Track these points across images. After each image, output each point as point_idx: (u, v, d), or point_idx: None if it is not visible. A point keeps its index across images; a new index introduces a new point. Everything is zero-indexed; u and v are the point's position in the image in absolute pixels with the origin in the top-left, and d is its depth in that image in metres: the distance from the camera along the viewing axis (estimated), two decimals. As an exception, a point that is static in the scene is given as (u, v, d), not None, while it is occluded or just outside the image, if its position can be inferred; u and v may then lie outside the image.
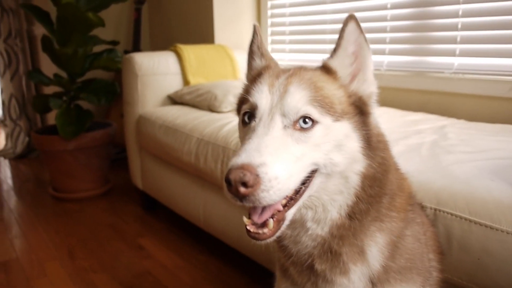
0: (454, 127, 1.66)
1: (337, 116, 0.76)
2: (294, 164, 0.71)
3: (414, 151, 1.33)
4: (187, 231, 2.32)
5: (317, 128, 0.74)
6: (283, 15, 2.96)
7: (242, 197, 0.67)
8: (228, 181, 0.67)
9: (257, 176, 0.66)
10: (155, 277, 1.91)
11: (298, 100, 0.74)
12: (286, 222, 0.74)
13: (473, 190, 1.02)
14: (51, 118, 3.73)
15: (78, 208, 2.77)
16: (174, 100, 2.53)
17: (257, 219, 0.72)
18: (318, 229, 0.80)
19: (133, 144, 2.56)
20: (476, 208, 0.98)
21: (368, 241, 0.80)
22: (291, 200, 0.74)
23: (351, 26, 0.80)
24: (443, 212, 1.02)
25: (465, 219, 0.98)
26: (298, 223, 0.81)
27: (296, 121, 0.74)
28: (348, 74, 0.82)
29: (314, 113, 0.74)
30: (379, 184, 0.79)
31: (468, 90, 1.95)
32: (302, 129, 0.73)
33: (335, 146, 0.75)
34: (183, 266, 1.99)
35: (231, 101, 2.16)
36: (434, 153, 1.31)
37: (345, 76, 0.82)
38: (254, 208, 0.73)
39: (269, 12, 3.09)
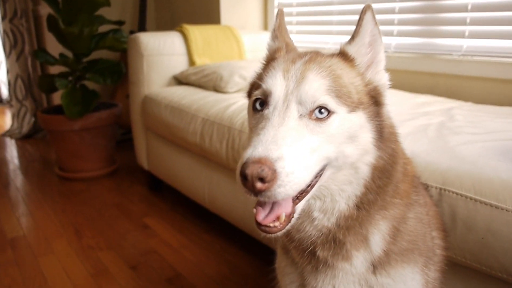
0: (462, 109, 1.64)
1: (353, 106, 0.73)
2: (310, 156, 0.68)
3: (421, 132, 1.32)
4: (192, 211, 2.34)
5: (333, 118, 0.71)
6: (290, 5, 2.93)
7: (257, 192, 0.64)
8: (244, 175, 0.63)
9: (274, 171, 0.63)
10: (161, 255, 1.93)
11: (317, 88, 0.71)
12: (296, 215, 0.72)
13: (480, 170, 1.02)
14: (57, 98, 3.73)
15: (84, 187, 2.79)
16: (179, 80, 2.52)
17: (262, 218, 0.70)
18: (324, 220, 0.79)
19: (138, 125, 2.56)
20: (482, 188, 0.98)
21: (372, 229, 0.80)
22: (302, 192, 0.71)
23: (369, 15, 0.78)
24: (449, 191, 1.02)
25: (471, 198, 0.98)
26: (304, 213, 0.79)
27: (312, 111, 0.70)
28: (364, 63, 0.80)
29: (331, 103, 0.71)
30: (387, 175, 0.78)
31: (476, 72, 1.93)
32: (318, 119, 0.70)
33: (348, 138, 0.72)
34: (187, 245, 2.01)
35: (237, 81, 2.15)
36: (441, 134, 1.30)
37: (362, 64, 0.79)
38: (262, 204, 0.71)
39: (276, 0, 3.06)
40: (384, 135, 0.77)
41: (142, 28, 3.48)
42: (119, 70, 2.92)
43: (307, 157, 0.67)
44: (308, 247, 0.82)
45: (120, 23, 2.94)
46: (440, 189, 1.04)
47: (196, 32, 2.59)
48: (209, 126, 1.84)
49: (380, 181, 0.77)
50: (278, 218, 0.70)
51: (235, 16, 3.06)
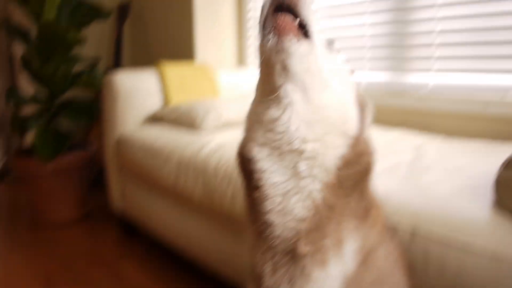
0: (432, 145, 1.67)
1: None
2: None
3: (392, 171, 1.34)
4: (168, 256, 2.28)
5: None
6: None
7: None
8: None
9: None
10: (135, 301, 1.87)
11: None
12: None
13: (449, 211, 1.03)
14: (30, 138, 3.67)
15: (56, 233, 2.70)
16: (155, 119, 2.51)
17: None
18: (311, 182, 0.75)
19: (112, 166, 2.53)
20: (452, 229, 0.98)
21: (347, 234, 0.78)
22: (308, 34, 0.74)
23: None
24: (420, 233, 1.02)
25: (442, 240, 0.98)
26: (290, 167, 0.75)
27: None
28: None
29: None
30: (363, 170, 0.80)
31: (444, 108, 1.98)
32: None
33: (344, 83, 0.79)
34: (164, 290, 1.96)
35: (212, 120, 2.15)
36: (412, 172, 1.32)
37: None
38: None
39: (251, 31, 3.11)
40: (364, 132, 0.82)
41: (118, 64, 3.49)
42: (94, 110, 2.90)
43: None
44: (290, 239, 0.76)
45: (96, 61, 2.94)
46: (412, 231, 1.04)
47: (171, 70, 2.60)
48: (184, 168, 1.83)
49: (356, 167, 0.78)
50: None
51: (211, 52, 3.09)
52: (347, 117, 0.77)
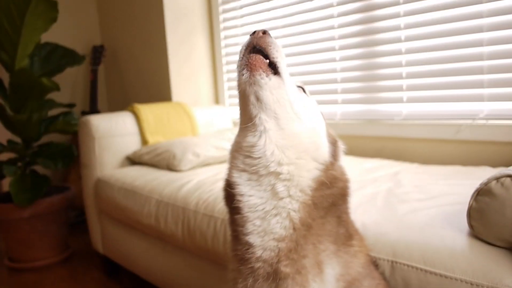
0: (408, 173, 1.71)
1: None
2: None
3: (370, 201, 1.36)
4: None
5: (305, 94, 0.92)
6: (238, 70, 3.04)
7: (258, 38, 0.84)
8: (253, 32, 0.86)
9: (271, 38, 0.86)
10: None
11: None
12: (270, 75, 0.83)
13: (427, 240, 1.05)
14: (6, 184, 3.59)
15: (36, 278, 2.63)
16: (133, 160, 2.50)
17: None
18: (288, 202, 0.81)
19: (92, 208, 2.49)
20: (430, 258, 1.00)
21: (326, 258, 0.80)
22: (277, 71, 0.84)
23: None
24: (400, 263, 1.04)
25: (421, 269, 1.00)
26: (268, 189, 0.82)
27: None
28: None
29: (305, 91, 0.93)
30: (337, 195, 0.86)
31: (418, 134, 2.03)
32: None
33: (313, 117, 0.88)
34: (148, 334, 1.90)
35: (190, 159, 2.15)
36: (389, 202, 1.34)
37: None
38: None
39: (225, 68, 3.17)
40: (336, 163, 0.89)
41: (94, 108, 3.48)
42: (71, 153, 2.87)
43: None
44: (271, 259, 0.79)
45: (71, 105, 2.94)
46: (392, 261, 1.05)
47: (147, 110, 2.61)
48: (163, 208, 1.82)
49: (330, 190, 0.84)
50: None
51: (186, 92, 3.12)
52: (318, 145, 0.86)
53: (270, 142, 0.81)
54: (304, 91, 0.92)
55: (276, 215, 0.81)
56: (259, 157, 0.82)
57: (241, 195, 0.83)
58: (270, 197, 0.81)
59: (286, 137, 0.82)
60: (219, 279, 1.58)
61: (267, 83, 0.81)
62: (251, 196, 0.82)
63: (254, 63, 0.81)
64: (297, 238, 0.80)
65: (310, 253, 0.79)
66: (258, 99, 0.81)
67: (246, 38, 0.87)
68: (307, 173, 0.82)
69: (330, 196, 0.84)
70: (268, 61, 0.83)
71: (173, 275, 1.89)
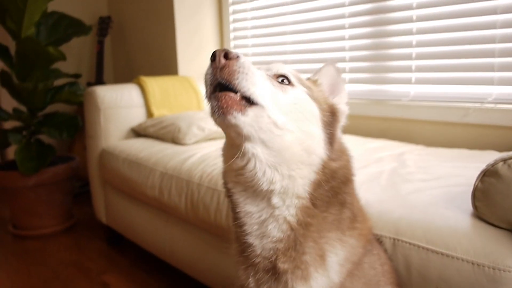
0: (413, 154, 1.70)
1: (311, 95, 0.84)
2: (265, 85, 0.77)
3: (374, 180, 1.36)
4: (153, 266, 2.27)
5: (292, 89, 0.81)
6: (245, 46, 3.01)
7: (221, 68, 0.72)
8: (213, 55, 0.73)
9: (237, 57, 0.73)
10: (120, 317, 1.85)
11: (284, 67, 0.85)
12: (249, 114, 0.73)
13: (430, 219, 1.05)
14: (11, 152, 3.62)
15: (40, 246, 2.67)
16: (138, 133, 2.51)
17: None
18: (284, 209, 0.80)
19: (96, 178, 2.51)
20: (432, 237, 1.00)
21: (329, 247, 0.81)
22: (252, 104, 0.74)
23: (327, 68, 0.97)
24: (402, 241, 1.04)
25: (423, 247, 1.00)
26: (264, 200, 0.80)
27: (277, 76, 0.82)
28: (326, 89, 0.93)
29: (292, 78, 0.83)
30: (338, 184, 0.82)
31: (425, 116, 2.02)
32: (280, 82, 0.81)
33: (303, 115, 0.80)
34: (149, 303, 1.94)
35: (195, 133, 2.15)
36: (393, 181, 1.34)
37: (324, 89, 0.93)
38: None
39: (232, 44, 3.14)
40: (334, 145, 0.84)
41: (100, 80, 3.47)
42: (76, 124, 2.88)
43: (264, 87, 0.76)
44: (270, 257, 0.81)
45: (77, 76, 2.93)
46: (394, 239, 1.06)
47: (153, 83, 2.60)
48: (168, 180, 1.83)
49: (333, 182, 0.81)
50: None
51: (193, 66, 3.10)
52: (312, 148, 0.80)
53: (261, 163, 0.77)
54: (288, 80, 0.83)
55: (272, 221, 0.80)
56: (251, 179, 0.78)
57: (237, 203, 0.83)
58: (266, 206, 0.81)
59: (277, 154, 0.77)
60: (221, 251, 1.60)
61: (245, 121, 0.73)
62: (247, 204, 0.82)
63: (223, 105, 0.72)
64: (296, 238, 0.80)
65: (310, 249, 0.80)
66: (239, 134, 0.75)
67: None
68: (302, 180, 0.79)
69: (331, 189, 0.81)
70: (239, 94, 0.73)
71: (175, 247, 1.91)
